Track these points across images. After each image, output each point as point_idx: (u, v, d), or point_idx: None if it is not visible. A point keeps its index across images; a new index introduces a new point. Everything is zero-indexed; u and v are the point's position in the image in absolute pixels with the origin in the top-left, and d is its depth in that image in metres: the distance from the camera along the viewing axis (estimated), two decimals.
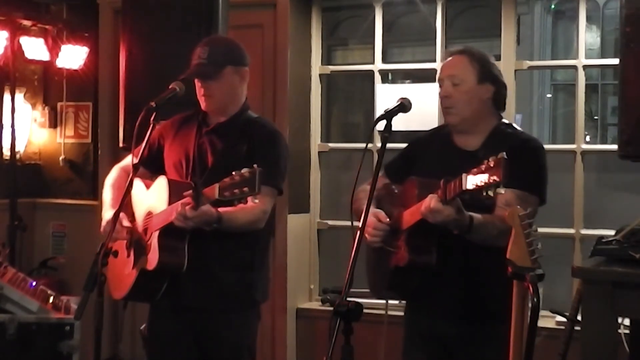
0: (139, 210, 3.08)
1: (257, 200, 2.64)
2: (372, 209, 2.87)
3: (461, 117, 2.83)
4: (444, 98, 2.85)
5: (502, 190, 2.29)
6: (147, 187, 3.08)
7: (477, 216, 2.61)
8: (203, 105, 3.08)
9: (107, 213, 3.11)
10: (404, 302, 3.09)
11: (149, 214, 3.02)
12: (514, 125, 2.92)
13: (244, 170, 2.59)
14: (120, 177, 3.27)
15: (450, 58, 2.90)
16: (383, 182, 3.03)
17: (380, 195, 2.98)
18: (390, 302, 3.20)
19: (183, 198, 2.80)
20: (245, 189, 2.57)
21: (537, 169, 2.81)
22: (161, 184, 3.00)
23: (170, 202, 2.89)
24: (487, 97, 2.85)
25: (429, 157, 2.93)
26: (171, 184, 2.97)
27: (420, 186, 2.71)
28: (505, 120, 2.92)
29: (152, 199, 3.03)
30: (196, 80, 3.06)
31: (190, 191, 2.73)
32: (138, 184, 3.18)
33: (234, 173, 2.61)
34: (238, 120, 3.11)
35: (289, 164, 3.17)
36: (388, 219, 2.82)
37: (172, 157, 3.16)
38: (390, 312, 3.19)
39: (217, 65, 3.03)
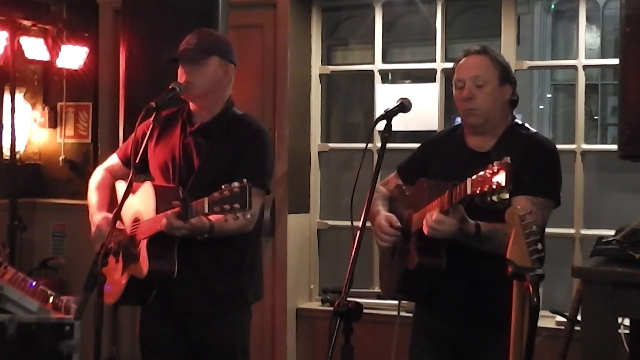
0: (126, 215, 3.06)
1: (249, 216, 2.64)
2: (384, 213, 2.88)
3: (484, 119, 2.80)
4: (467, 100, 2.79)
5: (506, 195, 2.28)
6: (133, 190, 3.01)
7: (484, 224, 2.59)
8: (184, 92, 3.04)
9: (96, 217, 3.11)
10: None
11: (136, 220, 3.01)
12: (527, 125, 2.89)
13: (234, 185, 2.58)
14: (104, 178, 3.26)
15: (469, 57, 2.84)
16: (396, 183, 3.03)
17: (393, 197, 2.98)
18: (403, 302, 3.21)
19: (171, 204, 2.79)
20: (236, 205, 2.57)
21: (552, 173, 2.79)
22: (147, 190, 2.98)
23: (158, 210, 2.88)
24: (507, 98, 2.83)
25: (442, 159, 2.91)
26: (157, 190, 2.95)
27: (429, 188, 2.71)
28: (518, 121, 2.89)
29: (139, 204, 3.01)
30: (180, 67, 3.05)
31: (179, 202, 2.74)
32: (121, 185, 3.16)
33: (223, 187, 2.61)
34: (222, 119, 3.08)
35: (276, 163, 3.16)
36: (399, 224, 2.81)
37: (157, 158, 3.13)
38: (402, 314, 3.19)
39: (203, 52, 3.02)
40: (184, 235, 2.82)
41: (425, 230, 2.57)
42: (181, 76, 3.03)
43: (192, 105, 3.11)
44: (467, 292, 2.78)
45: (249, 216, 2.65)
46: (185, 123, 3.11)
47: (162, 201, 2.88)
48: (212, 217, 2.76)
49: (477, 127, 2.84)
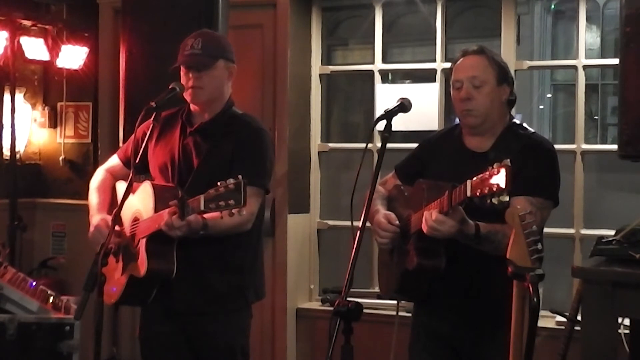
0: (125, 215, 3.06)
1: (244, 212, 2.64)
2: (384, 211, 2.87)
3: (482, 119, 2.80)
4: (465, 100, 2.78)
5: (506, 198, 2.27)
6: (133, 190, 3.04)
7: (484, 225, 2.59)
8: (191, 97, 3.05)
9: (95, 217, 3.11)
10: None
11: (136, 220, 3.01)
12: (525, 125, 2.88)
13: (229, 182, 2.59)
14: (105, 179, 3.27)
15: (467, 58, 2.83)
16: (394, 183, 3.02)
17: (392, 197, 2.97)
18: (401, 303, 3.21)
19: (169, 204, 2.79)
20: (231, 201, 2.57)
21: (550, 173, 2.79)
22: (146, 189, 2.98)
23: (156, 209, 2.88)
24: (504, 98, 2.83)
25: (440, 159, 2.91)
26: (156, 189, 2.96)
27: (428, 189, 2.70)
28: (516, 120, 2.89)
29: (138, 204, 3.01)
30: (185, 72, 3.04)
31: (176, 201, 2.74)
32: (121, 185, 3.17)
33: (218, 184, 2.61)
34: (222, 119, 3.09)
35: (276, 163, 3.14)
36: (398, 222, 2.81)
37: (157, 159, 3.14)
38: (400, 314, 3.19)
39: (211, 57, 3.03)
40: (183, 233, 2.81)
41: (424, 229, 2.57)
42: (187, 81, 3.03)
43: (192, 106, 3.11)
44: (467, 292, 2.78)
45: (244, 213, 2.65)
46: (185, 124, 3.11)
47: (160, 200, 2.89)
48: (206, 215, 2.75)
49: (475, 128, 2.83)
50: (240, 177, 2.59)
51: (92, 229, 3.09)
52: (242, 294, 3.10)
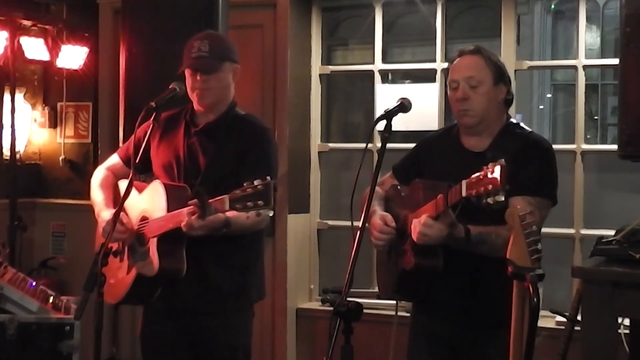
0: (132, 214, 3.05)
1: (271, 213, 2.63)
2: (380, 212, 2.87)
3: (479, 119, 2.80)
4: (461, 100, 2.78)
5: (501, 197, 2.27)
6: (139, 189, 3.04)
7: (474, 227, 2.59)
8: (197, 99, 3.05)
9: (104, 213, 3.09)
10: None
11: (144, 219, 3.01)
12: (522, 124, 2.88)
13: (256, 182, 2.57)
14: (106, 177, 3.26)
15: (463, 58, 2.83)
16: (392, 183, 3.02)
17: (389, 197, 2.98)
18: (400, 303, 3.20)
19: (181, 203, 2.78)
20: (260, 202, 2.56)
21: (549, 173, 2.79)
22: (157, 188, 2.97)
23: (169, 208, 2.87)
24: (501, 97, 2.83)
25: (437, 159, 2.91)
26: (168, 189, 2.95)
27: (425, 189, 2.71)
28: (513, 120, 2.89)
29: (146, 203, 3.01)
30: (192, 74, 3.04)
31: (195, 200, 2.72)
32: (124, 184, 3.16)
33: (245, 184, 2.59)
34: (226, 119, 3.09)
35: (288, 163, 3.15)
36: (394, 223, 2.81)
37: (160, 158, 3.13)
38: (400, 314, 3.19)
39: (218, 59, 3.03)
40: (204, 232, 2.80)
41: (414, 236, 2.57)
42: (194, 83, 3.02)
43: (196, 106, 3.11)
44: (466, 292, 2.78)
45: (271, 213, 2.65)
46: (189, 124, 3.11)
47: (172, 199, 2.88)
48: (229, 213, 2.75)
49: (471, 128, 2.83)
50: (268, 177, 2.58)
51: (103, 224, 3.06)
52: (245, 293, 3.10)
